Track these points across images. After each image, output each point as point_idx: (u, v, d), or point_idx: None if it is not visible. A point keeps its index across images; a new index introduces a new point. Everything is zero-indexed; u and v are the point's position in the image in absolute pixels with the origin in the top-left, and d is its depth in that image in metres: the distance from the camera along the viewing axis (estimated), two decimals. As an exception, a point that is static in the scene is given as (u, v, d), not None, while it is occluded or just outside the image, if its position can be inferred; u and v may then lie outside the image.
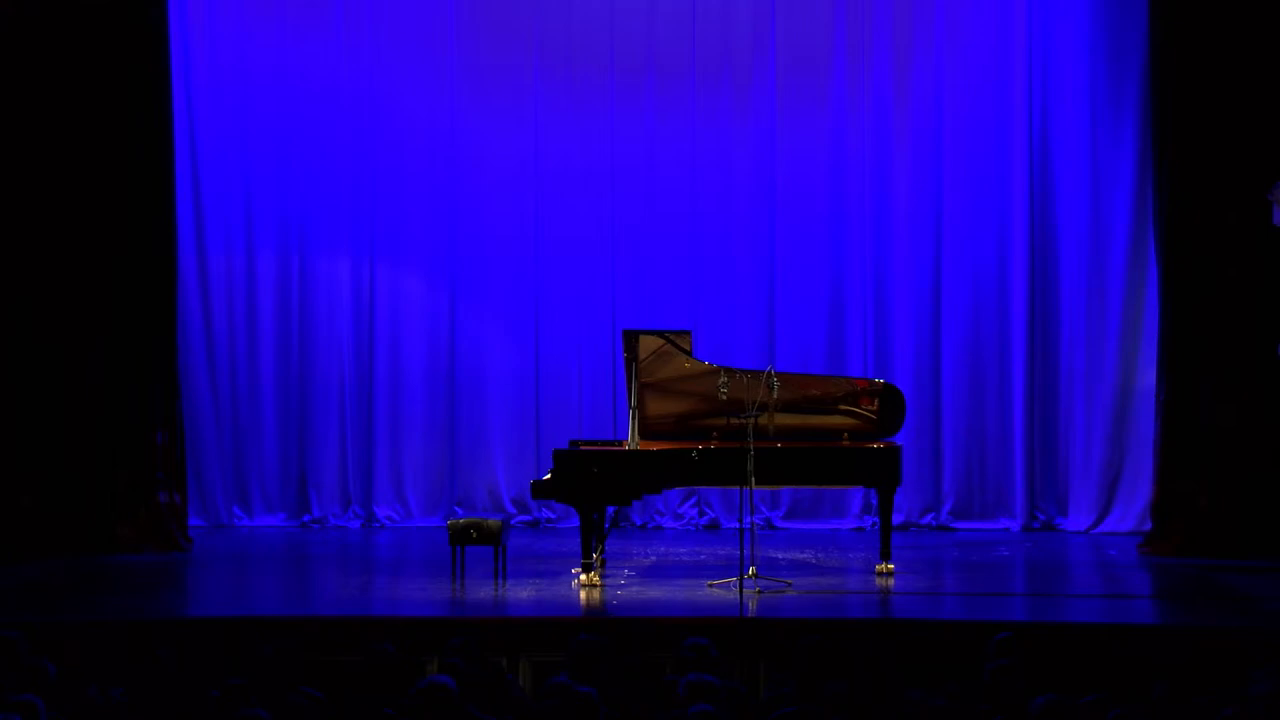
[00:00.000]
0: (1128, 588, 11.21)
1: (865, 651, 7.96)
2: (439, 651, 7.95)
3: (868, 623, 9.30)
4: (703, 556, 11.80)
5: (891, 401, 10.84)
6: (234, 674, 7.15)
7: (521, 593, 10.20)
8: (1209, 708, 6.46)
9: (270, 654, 7.46)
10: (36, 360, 12.05)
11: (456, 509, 13.54)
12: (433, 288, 13.67)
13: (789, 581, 10.37)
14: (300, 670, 7.36)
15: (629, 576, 10.81)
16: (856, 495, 13.51)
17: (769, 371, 10.64)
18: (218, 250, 13.54)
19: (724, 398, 10.69)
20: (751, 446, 10.10)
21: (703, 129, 13.58)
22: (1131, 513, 13.11)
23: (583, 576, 10.30)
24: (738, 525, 11.20)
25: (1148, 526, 12.48)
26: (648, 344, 10.76)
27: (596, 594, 10.08)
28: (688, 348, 10.79)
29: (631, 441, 10.63)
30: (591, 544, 10.38)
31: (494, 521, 10.69)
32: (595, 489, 10.28)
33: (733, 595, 9.91)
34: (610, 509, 11.28)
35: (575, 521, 10.75)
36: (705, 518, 13.64)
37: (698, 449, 10.42)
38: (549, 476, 10.37)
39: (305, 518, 13.59)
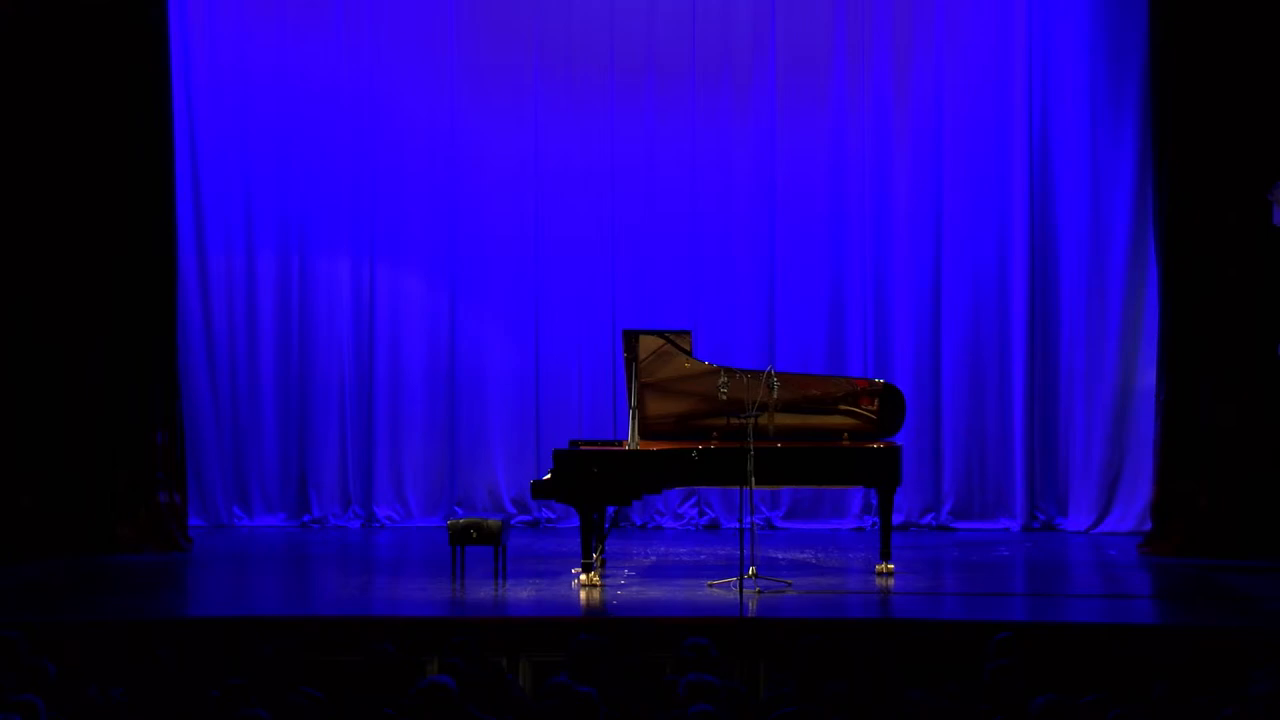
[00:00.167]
0: (1128, 588, 11.21)
1: (865, 651, 7.96)
2: (439, 651, 7.96)
3: (868, 623, 9.30)
4: (703, 556, 11.80)
5: (891, 401, 10.84)
6: (234, 674, 7.15)
7: (521, 593, 10.20)
8: (1209, 708, 6.46)
9: (270, 654, 7.46)
10: (36, 360, 12.06)
11: (456, 509, 13.54)
12: (433, 288, 13.67)
13: (789, 581, 10.37)
14: (300, 670, 7.35)
15: (629, 576, 10.81)
16: (856, 495, 13.51)
17: (769, 371, 10.64)
18: (218, 250, 13.54)
19: (724, 398, 10.69)
20: (751, 446, 10.10)
21: (703, 129, 13.58)
22: (1131, 513, 13.11)
23: (583, 576, 10.30)
24: (738, 525, 11.20)
25: (1148, 526, 12.48)
26: (648, 344, 10.76)
27: (596, 594, 10.08)
28: (688, 348, 10.79)
29: (631, 441, 10.63)
30: (591, 544, 10.38)
31: (494, 521, 10.69)
32: (595, 489, 10.28)
33: (733, 595, 9.91)
34: (610, 509, 11.27)
35: (575, 521, 10.75)
36: (705, 518, 13.64)
37: (698, 449, 10.42)
38: (549, 476, 10.37)
39: (305, 518, 13.60)
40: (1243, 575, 11.15)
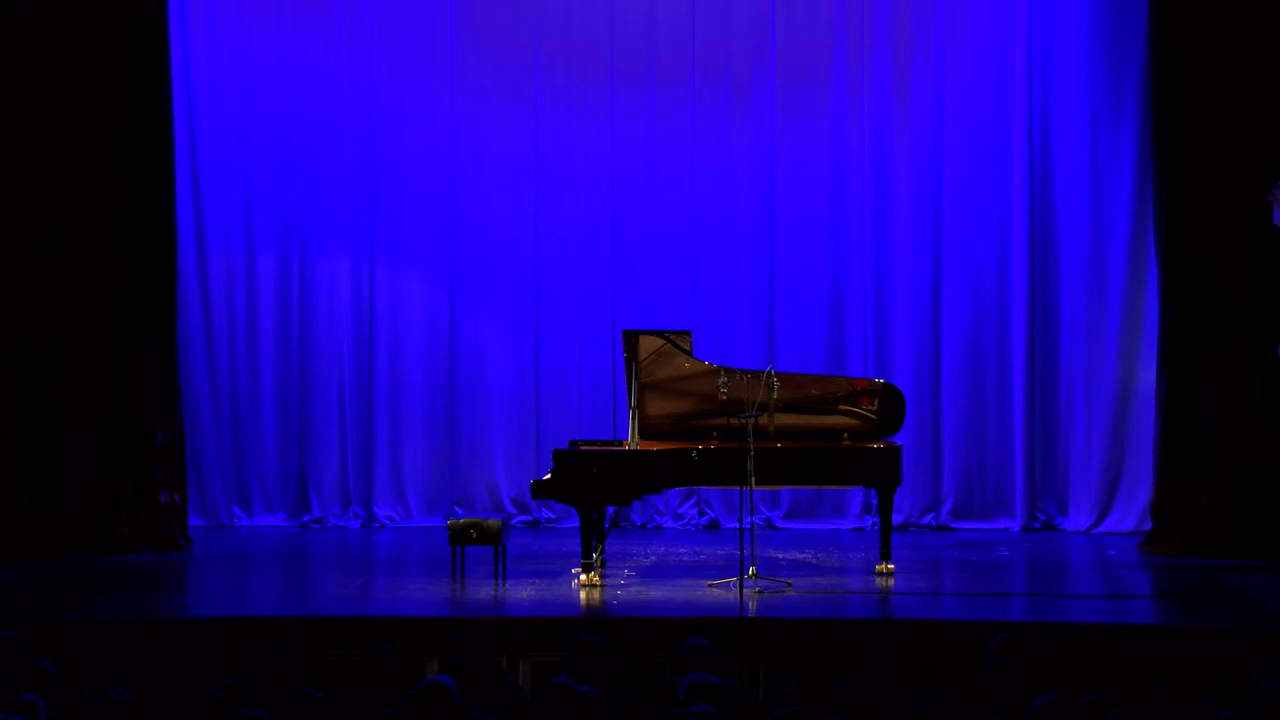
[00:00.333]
0: (1128, 588, 11.21)
1: (865, 651, 7.96)
2: (439, 651, 7.95)
3: (868, 623, 9.30)
4: (703, 556, 11.80)
5: (891, 401, 10.84)
6: (234, 674, 7.15)
7: (521, 593, 10.20)
8: (1209, 708, 6.46)
9: (270, 654, 7.45)
10: (36, 360, 12.06)
11: (456, 509, 13.54)
12: (433, 288, 13.67)
13: (789, 581, 10.37)
14: (300, 670, 7.35)
15: (629, 576, 10.81)
16: (856, 495, 13.51)
17: (769, 371, 10.64)
18: (218, 250, 13.54)
19: (724, 398, 10.68)
20: (751, 446, 10.10)
21: (702, 129, 13.58)
22: (1131, 513, 13.12)
23: (583, 576, 10.30)
24: (738, 525, 11.19)
25: (1148, 526, 12.48)
26: (648, 344, 10.76)
27: (596, 594, 10.08)
28: (688, 348, 10.79)
29: (631, 441, 10.63)
30: (591, 544, 10.38)
31: (494, 521, 10.69)
32: (595, 489, 10.27)
33: (733, 595, 9.91)
34: (610, 509, 11.27)
35: (575, 521, 10.75)
36: (705, 518, 13.64)
37: (698, 449, 10.42)
38: (549, 476, 10.37)
39: (305, 518, 13.60)
40: (1243, 575, 11.15)
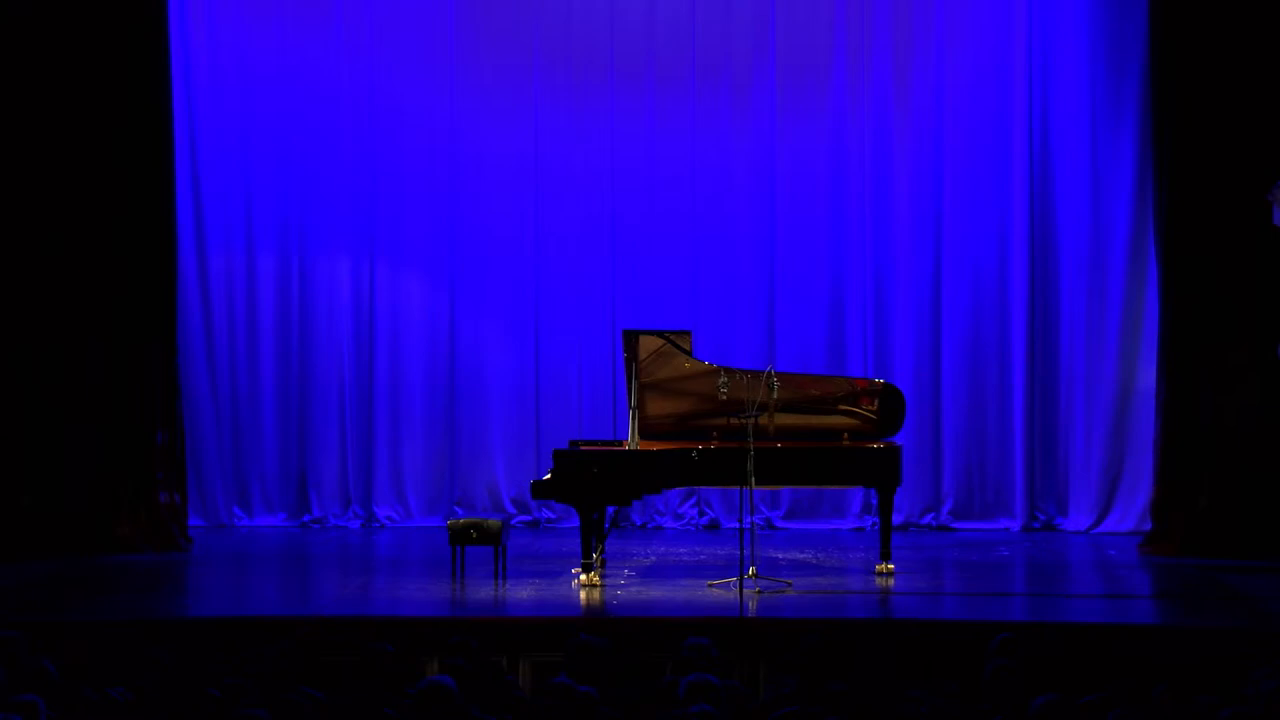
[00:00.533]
0: (1128, 588, 11.21)
1: (865, 651, 7.96)
2: (439, 651, 7.95)
3: (868, 623, 9.30)
4: (703, 556, 11.79)
5: (891, 401, 10.83)
6: (234, 674, 7.15)
7: (521, 593, 10.20)
8: (1209, 708, 6.46)
9: (270, 654, 7.45)
10: (36, 360, 12.06)
11: (456, 509, 13.54)
12: (433, 288, 13.68)
13: (789, 581, 10.36)
14: (300, 670, 7.35)
15: (629, 576, 10.81)
16: (856, 495, 13.51)
17: (769, 371, 10.64)
18: (218, 250, 13.54)
19: (724, 398, 10.68)
20: (751, 446, 10.10)
21: (702, 128, 13.58)
22: (1131, 513, 13.12)
23: (583, 576, 10.30)
24: (738, 525, 11.19)
25: (1148, 526, 12.48)
26: (648, 344, 10.76)
27: (596, 594, 10.08)
28: (688, 348, 10.79)
29: (631, 441, 10.63)
30: (591, 544, 10.38)
31: (494, 521, 10.69)
32: (595, 489, 10.27)
33: (733, 595, 9.91)
34: (610, 509, 11.27)
35: (575, 521, 10.74)
36: (705, 518, 13.64)
37: (698, 449, 10.42)
38: (549, 476, 10.36)
39: (305, 518, 13.60)
40: (1243, 575, 11.14)
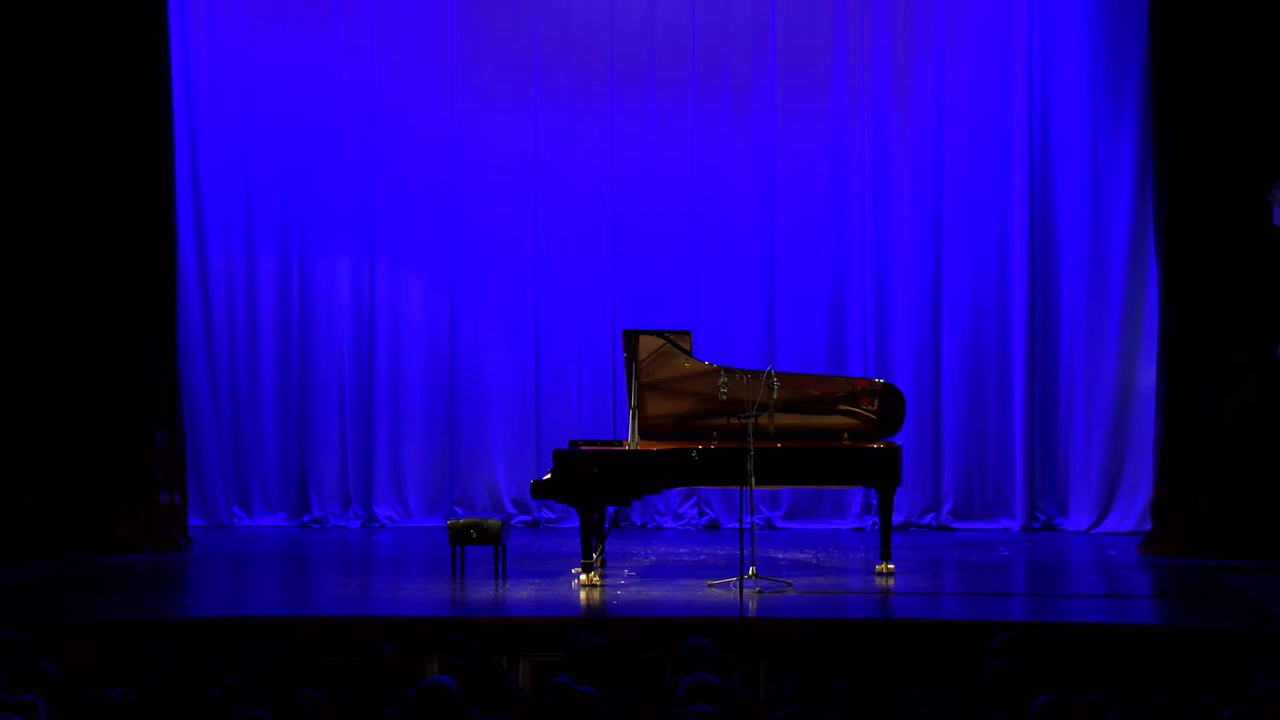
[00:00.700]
0: (1128, 588, 11.21)
1: (865, 651, 7.96)
2: (439, 651, 7.95)
3: (868, 623, 9.30)
4: (703, 556, 11.79)
5: (891, 401, 10.83)
6: (234, 674, 7.15)
7: (521, 593, 10.20)
8: (1209, 708, 6.46)
9: (270, 654, 7.45)
10: (36, 360, 12.06)
11: (456, 509, 13.54)
12: (433, 288, 13.68)
13: (789, 581, 10.36)
14: (300, 670, 7.35)
15: (629, 576, 10.81)
16: (856, 495, 13.51)
17: (769, 371, 10.64)
18: (218, 250, 13.55)
19: (724, 398, 10.68)
20: (751, 446, 10.10)
21: (702, 129, 13.58)
22: (1131, 513, 13.12)
23: (583, 576, 10.30)
24: (738, 525, 11.19)
25: (1148, 526, 12.48)
26: (648, 344, 10.76)
27: (596, 594, 10.08)
28: (688, 348, 10.79)
29: (631, 441, 10.63)
30: (591, 544, 10.38)
31: (494, 521, 10.69)
32: (595, 489, 10.27)
33: (733, 595, 9.91)
34: (610, 509, 11.27)
35: (575, 521, 10.74)
36: (705, 518, 13.64)
37: (698, 449, 10.42)
38: (549, 476, 10.36)
39: (305, 518, 13.60)
40: (1243, 575, 11.14)
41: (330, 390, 13.61)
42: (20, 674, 6.86)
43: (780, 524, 13.53)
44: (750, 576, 10.06)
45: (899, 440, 10.82)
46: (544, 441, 13.28)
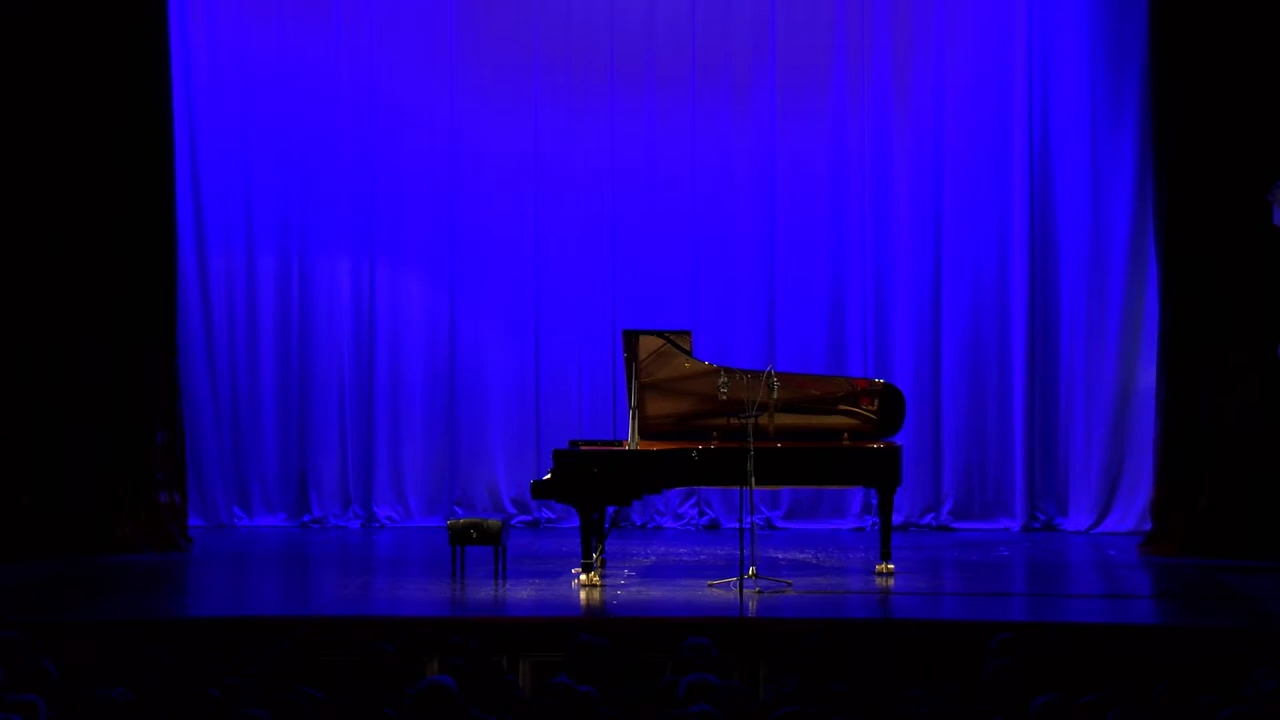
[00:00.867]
0: (1128, 588, 11.21)
1: (865, 651, 7.96)
2: (439, 651, 7.95)
3: (868, 623, 9.30)
4: (703, 556, 11.79)
5: (891, 401, 10.83)
6: (234, 674, 7.15)
7: (521, 593, 10.20)
8: (1209, 708, 6.46)
9: (270, 654, 7.45)
10: (37, 360, 12.06)
11: (456, 509, 13.54)
12: (433, 288, 13.68)
13: (789, 581, 10.36)
14: (300, 670, 7.35)
15: (629, 576, 10.81)
16: (856, 495, 13.51)
17: (769, 371, 10.64)
18: (218, 250, 13.54)
19: (724, 398, 10.68)
20: (751, 446, 10.10)
21: (702, 129, 13.58)
22: (1131, 513, 13.12)
23: (583, 576, 10.30)
24: (738, 525, 11.19)
25: (1148, 526, 12.48)
26: (648, 344, 10.76)
27: (596, 594, 10.08)
28: (688, 348, 10.79)
29: (631, 441, 10.63)
30: (591, 544, 10.38)
31: (494, 521, 10.69)
32: (595, 489, 10.27)
33: (733, 595, 9.91)
34: (610, 509, 11.27)
35: (575, 521, 10.74)
36: (705, 518, 13.64)
37: (698, 449, 10.42)
38: (549, 476, 10.36)
39: (305, 518, 13.60)
40: (1243, 575, 11.14)
41: (330, 390, 13.61)
42: (20, 674, 6.87)
43: (780, 524, 13.53)
44: (750, 576, 10.06)
45: (899, 440, 10.82)
46: (544, 441, 13.28)
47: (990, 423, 13.48)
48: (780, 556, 11.66)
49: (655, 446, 10.57)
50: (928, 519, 13.52)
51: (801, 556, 11.83)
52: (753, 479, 10.11)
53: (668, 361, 10.77)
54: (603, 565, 10.77)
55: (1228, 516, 11.90)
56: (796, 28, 13.54)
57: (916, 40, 13.46)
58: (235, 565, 12.03)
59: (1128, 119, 13.08)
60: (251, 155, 13.51)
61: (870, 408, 10.83)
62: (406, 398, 13.68)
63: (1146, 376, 12.76)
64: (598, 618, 9.38)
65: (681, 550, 12.21)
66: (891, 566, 10.74)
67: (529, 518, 13.65)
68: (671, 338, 10.78)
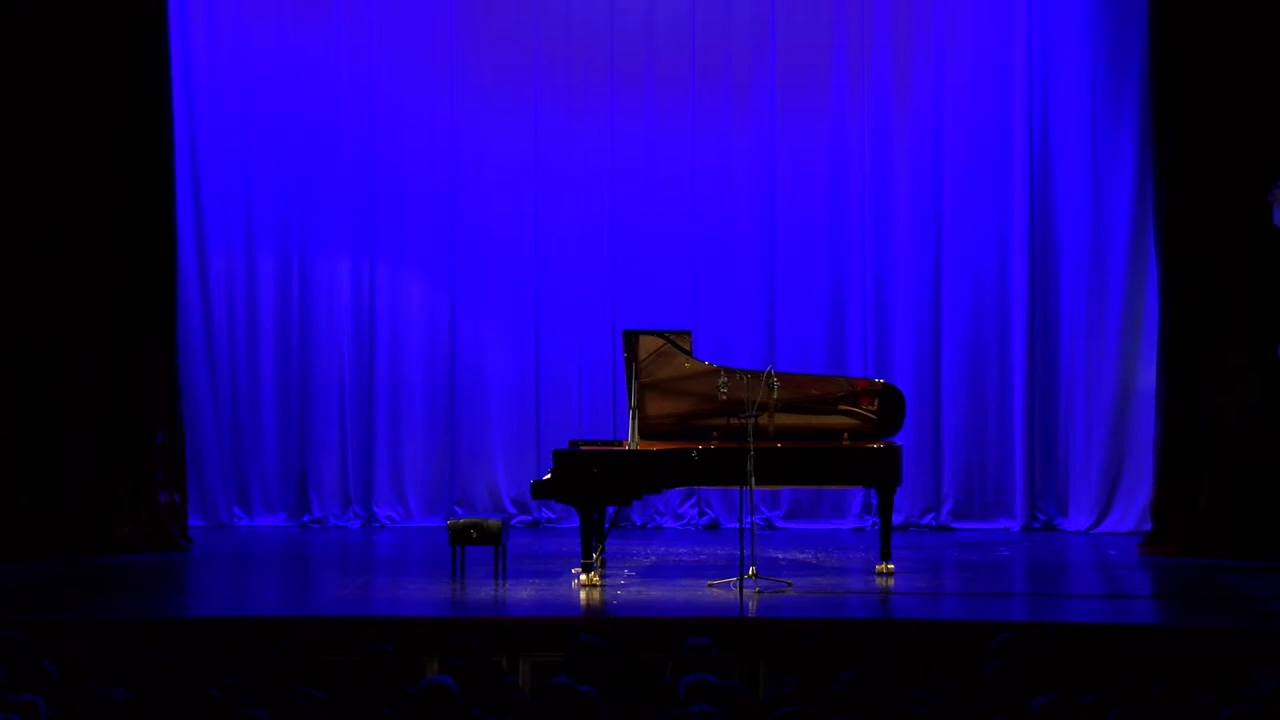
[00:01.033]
0: (1128, 588, 11.21)
1: (865, 652, 7.96)
2: (439, 651, 7.95)
3: (868, 623, 9.30)
4: (703, 556, 11.79)
5: (891, 401, 10.83)
6: (234, 674, 7.15)
7: (521, 593, 10.20)
8: (1209, 708, 6.46)
9: (270, 654, 7.45)
10: (37, 360, 12.06)
11: (456, 509, 13.54)
12: (433, 288, 13.68)
13: (789, 581, 10.36)
14: (300, 670, 7.35)
15: (629, 576, 10.81)
16: (856, 495, 13.51)
17: (769, 371, 10.64)
18: (218, 250, 13.55)
19: (724, 398, 10.68)
20: (751, 446, 10.10)
21: (702, 129, 13.58)
22: (1131, 513, 13.12)
23: (583, 576, 10.30)
24: (738, 525, 11.19)
25: (1148, 526, 12.48)
26: (648, 344, 10.76)
27: (596, 594, 10.08)
28: (688, 348, 10.79)
29: (631, 441, 10.63)
30: (591, 544, 10.38)
31: (494, 521, 10.69)
32: (595, 489, 10.27)
33: (733, 595, 9.91)
34: (610, 509, 11.27)
35: (575, 521, 10.74)
36: (705, 518, 13.64)
37: (698, 449, 10.42)
38: (549, 476, 10.36)
39: (305, 518, 13.60)
40: (1243, 575, 11.14)
41: (330, 390, 13.61)
42: (20, 674, 6.87)
43: (780, 524, 13.53)
44: (750, 576, 10.06)
45: (899, 440, 10.82)
46: (544, 441, 13.28)
47: (990, 423, 13.48)
48: (780, 556, 11.66)
49: (655, 446, 10.57)
50: (928, 519, 13.52)
51: (801, 556, 11.83)
52: (753, 479, 10.11)
53: (668, 361, 10.77)
54: (603, 565, 10.77)
55: (1228, 516, 11.90)
56: (796, 28, 13.54)
57: (916, 40, 13.46)
58: (235, 565, 12.03)
59: (1128, 119, 13.08)
60: (251, 155, 13.51)
61: (870, 408, 10.83)
62: (406, 398, 13.68)
63: (1146, 376, 12.76)
64: (598, 618, 9.38)
65: (681, 550, 12.21)
66: (891, 566, 10.75)
67: (529, 518, 13.65)
68: (671, 338, 10.78)
